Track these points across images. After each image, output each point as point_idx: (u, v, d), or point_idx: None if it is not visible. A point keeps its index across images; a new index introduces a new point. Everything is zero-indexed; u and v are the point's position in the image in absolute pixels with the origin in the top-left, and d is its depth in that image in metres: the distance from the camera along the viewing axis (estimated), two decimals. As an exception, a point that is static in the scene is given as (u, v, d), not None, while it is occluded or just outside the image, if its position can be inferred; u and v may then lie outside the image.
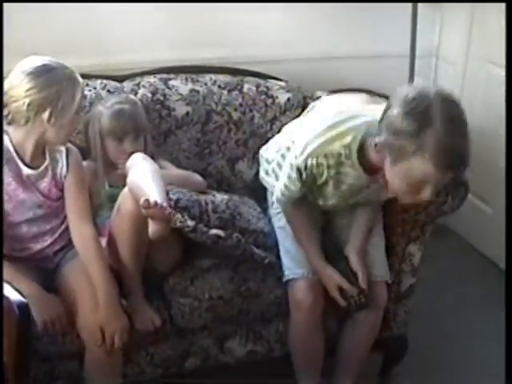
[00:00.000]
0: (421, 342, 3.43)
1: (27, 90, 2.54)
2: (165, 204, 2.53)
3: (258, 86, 3.51)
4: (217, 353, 3.03)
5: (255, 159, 3.44)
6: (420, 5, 3.99)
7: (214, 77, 3.49)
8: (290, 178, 2.74)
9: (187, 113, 3.37)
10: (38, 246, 2.79)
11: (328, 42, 4.05)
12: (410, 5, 3.96)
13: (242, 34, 3.82)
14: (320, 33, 4.02)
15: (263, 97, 3.49)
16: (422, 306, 3.45)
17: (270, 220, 3.08)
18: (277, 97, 3.51)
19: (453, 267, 4.12)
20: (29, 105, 2.54)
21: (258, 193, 3.30)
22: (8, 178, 2.65)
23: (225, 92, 3.45)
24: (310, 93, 3.60)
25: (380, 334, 3.09)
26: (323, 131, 2.64)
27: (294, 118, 3.38)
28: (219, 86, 3.45)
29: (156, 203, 2.48)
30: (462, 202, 3.11)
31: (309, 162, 2.63)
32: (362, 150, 2.59)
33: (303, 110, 3.48)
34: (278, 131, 3.30)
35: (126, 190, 2.71)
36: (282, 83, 3.60)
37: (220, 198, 2.99)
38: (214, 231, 2.80)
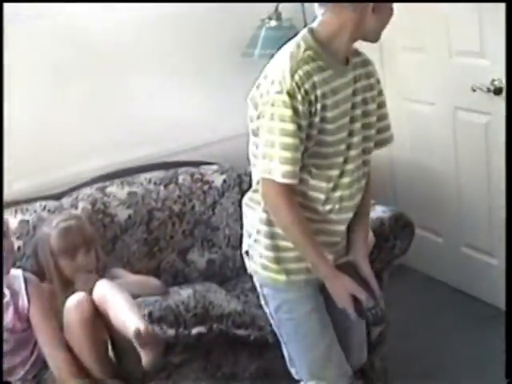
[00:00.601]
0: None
1: None
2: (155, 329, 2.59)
3: (192, 175, 3.59)
4: None
5: (204, 246, 3.50)
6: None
7: (148, 175, 3.57)
8: (282, 123, 2.33)
9: (129, 216, 3.43)
10: (12, 379, 2.79)
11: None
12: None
13: (165, 126, 3.90)
14: (238, 108, 4.09)
15: (199, 184, 3.58)
16: (399, 350, 3.50)
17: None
18: (212, 181, 3.60)
19: (419, 302, 4.18)
20: None
21: (216, 278, 3.37)
22: None
23: (161, 188, 3.52)
24: (243, 169, 3.68)
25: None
26: (283, 60, 2.42)
27: (233, 199, 3.47)
28: (155, 183, 3.53)
29: (147, 330, 2.53)
30: (410, 241, 3.20)
31: (296, 76, 2.33)
32: (319, 43, 2.43)
33: (240, 188, 3.57)
34: (220, 214, 3.39)
35: (68, 304, 2.75)
36: (215, 167, 3.69)
37: (186, 294, 3.03)
38: (194, 330, 2.86)
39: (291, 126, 2.31)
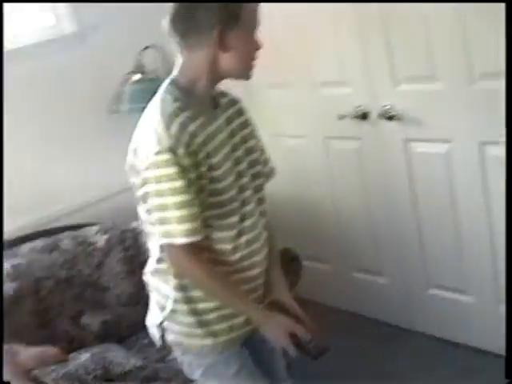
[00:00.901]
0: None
1: None
2: None
3: (75, 239, 3.57)
4: None
5: (96, 308, 3.48)
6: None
7: (30, 245, 3.53)
8: (170, 183, 2.23)
9: (16, 289, 3.35)
10: None
11: (122, 172, 4.11)
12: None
13: (41, 192, 3.87)
14: (112, 165, 4.06)
15: (83, 247, 3.55)
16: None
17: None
18: (96, 242, 3.57)
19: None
20: None
21: (112, 338, 3.35)
22: None
23: (45, 256, 3.48)
24: (125, 225, 3.67)
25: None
26: (153, 119, 2.32)
27: (117, 257, 3.47)
28: (38, 252, 3.48)
29: None
30: (299, 274, 3.25)
31: (172, 130, 2.23)
32: (184, 91, 2.36)
33: (124, 245, 3.58)
34: (108, 274, 3.38)
35: None
36: (96, 227, 3.67)
37: (84, 357, 3.01)
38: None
39: (180, 183, 2.21)
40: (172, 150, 2.21)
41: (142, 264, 3.55)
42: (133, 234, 3.65)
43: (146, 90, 3.91)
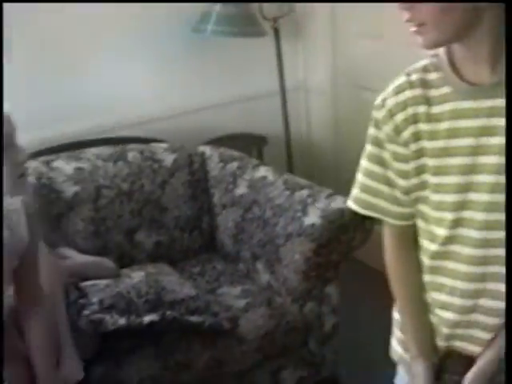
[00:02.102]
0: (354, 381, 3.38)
1: None
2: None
3: (142, 153, 3.44)
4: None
5: (152, 227, 3.39)
6: (283, 39, 4.03)
7: (95, 150, 3.41)
8: (368, 161, 1.83)
9: (76, 192, 3.27)
10: None
11: (198, 93, 4.03)
12: (273, 41, 4.00)
13: (111, 100, 3.77)
14: (189, 85, 4.00)
15: (149, 162, 3.43)
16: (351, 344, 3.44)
17: None
18: (163, 160, 3.45)
19: (369, 297, 4.12)
20: None
21: (162, 260, 3.28)
22: None
23: (110, 164, 3.36)
24: (193, 149, 3.57)
25: (310, 378, 3.08)
26: None
27: (182, 179, 3.38)
28: (103, 160, 3.37)
29: None
30: (368, 234, 3.14)
31: (388, 101, 1.74)
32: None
33: (190, 169, 3.47)
34: (170, 195, 3.27)
35: None
36: (165, 145, 3.54)
37: (137, 277, 2.91)
38: (147, 318, 2.73)
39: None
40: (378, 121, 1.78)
41: (206, 190, 3.52)
42: (201, 158, 3.54)
43: (233, 15, 3.80)
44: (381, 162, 1.80)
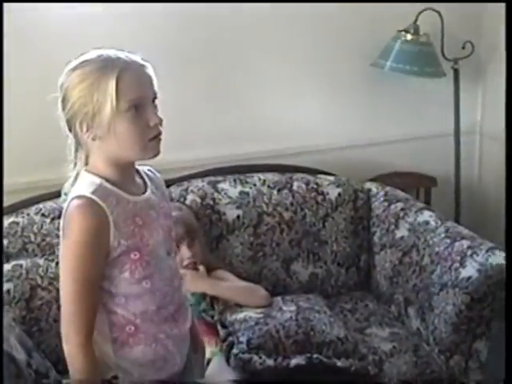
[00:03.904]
0: None
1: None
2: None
3: (307, 184, 3.45)
4: None
5: (310, 259, 3.38)
6: (462, 80, 3.94)
7: (262, 176, 3.45)
8: None
9: (238, 216, 3.31)
10: None
11: (371, 128, 3.99)
12: (451, 82, 3.91)
13: (284, 127, 3.77)
14: (362, 119, 3.97)
15: (313, 194, 3.43)
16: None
17: None
18: (327, 193, 3.45)
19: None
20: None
21: (315, 293, 3.26)
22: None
23: (274, 192, 3.39)
24: (359, 185, 3.54)
25: None
26: None
27: (345, 215, 3.37)
28: (269, 186, 3.40)
29: None
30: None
31: None
32: None
33: (355, 205, 3.45)
34: (331, 228, 3.25)
35: None
36: (331, 178, 3.54)
37: (288, 313, 2.91)
38: (293, 362, 2.72)
39: None
40: None
41: (367, 228, 3.47)
42: (366, 195, 3.51)
43: (414, 53, 3.74)
44: None
